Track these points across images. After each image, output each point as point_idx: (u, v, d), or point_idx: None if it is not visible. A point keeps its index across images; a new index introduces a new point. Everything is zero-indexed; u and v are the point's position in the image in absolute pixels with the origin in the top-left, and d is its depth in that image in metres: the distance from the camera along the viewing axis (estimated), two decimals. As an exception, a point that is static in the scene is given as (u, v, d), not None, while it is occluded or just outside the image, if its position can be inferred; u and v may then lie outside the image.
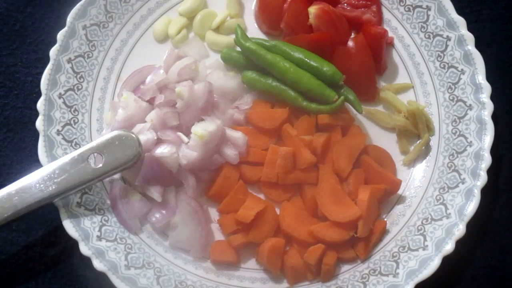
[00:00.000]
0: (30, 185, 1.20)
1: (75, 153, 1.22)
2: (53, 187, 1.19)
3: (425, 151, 1.34)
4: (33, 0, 1.49)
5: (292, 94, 1.32)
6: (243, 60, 1.37)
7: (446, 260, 1.22)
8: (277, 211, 1.29)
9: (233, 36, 1.38)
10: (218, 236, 1.30)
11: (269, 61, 1.32)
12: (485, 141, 1.28)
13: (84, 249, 1.23)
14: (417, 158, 1.34)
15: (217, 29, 1.43)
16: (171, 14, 1.44)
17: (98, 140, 1.23)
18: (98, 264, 1.22)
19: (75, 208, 1.26)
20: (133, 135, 1.23)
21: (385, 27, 1.41)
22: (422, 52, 1.38)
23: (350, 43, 1.36)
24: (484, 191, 1.25)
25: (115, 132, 1.23)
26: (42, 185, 1.19)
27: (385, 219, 1.30)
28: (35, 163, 1.33)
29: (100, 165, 1.21)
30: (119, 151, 1.21)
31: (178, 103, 1.29)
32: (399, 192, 1.31)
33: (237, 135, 1.30)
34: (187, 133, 1.29)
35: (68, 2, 1.43)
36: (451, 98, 1.34)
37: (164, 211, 1.28)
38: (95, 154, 1.22)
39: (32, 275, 1.30)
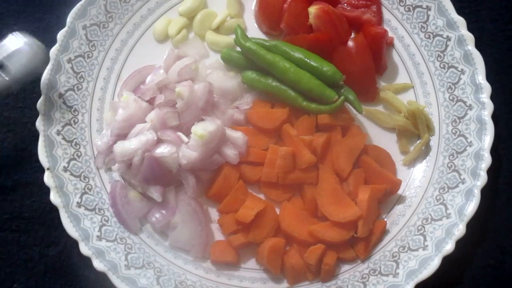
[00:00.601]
0: None
1: None
2: None
3: (425, 151, 1.34)
4: (33, 0, 1.49)
5: (292, 94, 1.32)
6: (243, 60, 1.37)
7: (446, 260, 1.22)
8: (277, 211, 1.29)
9: (233, 36, 1.38)
10: (218, 236, 1.30)
11: (269, 61, 1.32)
12: (485, 141, 1.28)
13: (84, 249, 1.23)
14: (417, 158, 1.34)
15: (217, 29, 1.43)
16: (171, 14, 1.44)
17: (2, 50, 1.19)
18: (98, 264, 1.22)
19: (75, 208, 1.26)
20: (38, 42, 1.19)
21: (385, 27, 1.41)
22: (422, 52, 1.38)
23: (350, 43, 1.36)
24: (484, 191, 1.25)
25: (20, 40, 1.19)
26: None
27: (385, 219, 1.30)
28: (35, 163, 1.34)
29: (6, 76, 1.17)
30: (25, 59, 1.17)
31: (178, 103, 1.29)
32: (399, 192, 1.31)
33: (237, 135, 1.30)
34: (187, 133, 1.29)
35: (68, 2, 1.43)
36: (451, 98, 1.34)
37: (164, 211, 1.28)
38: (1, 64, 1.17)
39: (32, 275, 1.30)
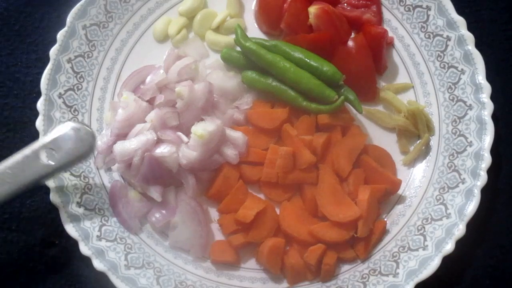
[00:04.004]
0: None
1: (27, 150, 1.16)
2: (6, 187, 1.14)
3: (425, 151, 1.34)
4: (33, 0, 1.49)
5: (292, 94, 1.32)
6: (243, 60, 1.37)
7: (446, 260, 1.22)
8: (277, 211, 1.29)
9: (233, 36, 1.38)
10: (218, 236, 1.30)
11: (269, 61, 1.32)
12: (485, 141, 1.28)
13: (84, 249, 1.23)
14: (417, 158, 1.34)
15: (217, 29, 1.43)
16: (171, 14, 1.44)
17: (50, 135, 1.17)
18: (98, 264, 1.22)
19: (75, 208, 1.26)
20: (87, 127, 1.18)
21: (385, 27, 1.41)
22: (422, 52, 1.38)
23: (350, 43, 1.36)
24: (484, 191, 1.25)
25: (68, 125, 1.17)
26: None
27: (385, 219, 1.30)
28: (35, 163, 1.34)
29: (53, 162, 1.15)
30: (72, 145, 1.15)
31: (178, 103, 1.29)
32: (399, 192, 1.31)
33: (237, 135, 1.30)
34: (187, 133, 1.29)
35: (68, 2, 1.43)
36: (451, 98, 1.34)
37: (164, 211, 1.28)
38: (48, 149, 1.16)
39: (32, 275, 1.30)
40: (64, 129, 1.17)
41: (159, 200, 1.27)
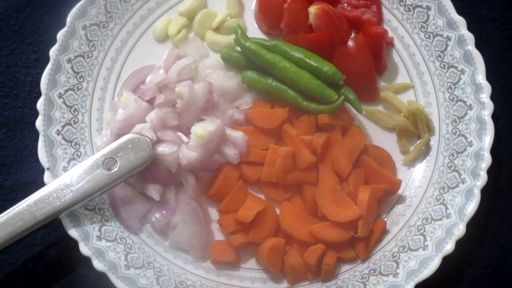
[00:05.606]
0: (48, 195, 1.20)
1: (90, 159, 1.22)
2: (71, 195, 1.20)
3: (425, 151, 1.34)
4: (33, 0, 1.49)
5: (292, 94, 1.32)
6: (243, 60, 1.37)
7: (446, 260, 1.22)
8: (277, 211, 1.29)
9: (233, 36, 1.38)
10: (218, 236, 1.30)
11: (269, 61, 1.32)
12: (485, 141, 1.28)
13: (84, 249, 1.23)
14: (417, 158, 1.34)
15: (217, 29, 1.43)
16: (171, 14, 1.44)
17: (111, 145, 1.23)
18: (98, 264, 1.22)
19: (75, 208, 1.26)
20: (146, 138, 1.23)
21: (385, 27, 1.41)
22: (422, 52, 1.38)
23: (350, 43, 1.36)
24: (484, 191, 1.25)
25: (128, 136, 1.23)
26: (59, 194, 1.20)
27: (385, 219, 1.30)
28: (35, 163, 1.34)
29: (116, 169, 1.21)
30: (132, 154, 1.21)
31: (178, 103, 1.29)
32: (399, 192, 1.31)
33: (237, 135, 1.30)
34: (187, 133, 1.28)
35: (68, 2, 1.43)
36: (451, 98, 1.34)
37: (164, 211, 1.28)
38: (109, 159, 1.21)
39: (32, 275, 1.30)
40: (124, 139, 1.23)
41: (158, 199, 1.27)
